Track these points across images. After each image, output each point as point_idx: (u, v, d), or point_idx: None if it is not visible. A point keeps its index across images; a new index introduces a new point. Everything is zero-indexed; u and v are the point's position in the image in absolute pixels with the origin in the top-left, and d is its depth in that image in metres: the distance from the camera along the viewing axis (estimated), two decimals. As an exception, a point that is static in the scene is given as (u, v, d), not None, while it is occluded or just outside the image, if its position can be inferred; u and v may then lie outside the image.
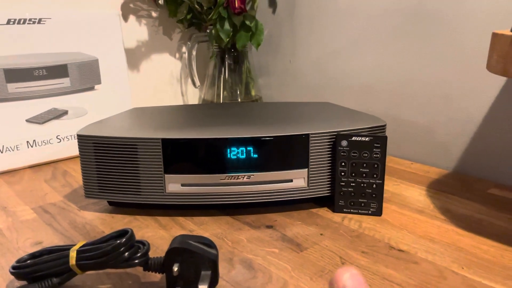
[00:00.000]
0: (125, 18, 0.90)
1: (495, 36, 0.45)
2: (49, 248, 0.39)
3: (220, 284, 0.40)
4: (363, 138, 0.52)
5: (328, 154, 0.53)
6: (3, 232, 0.51)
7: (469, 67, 0.66)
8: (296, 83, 0.95)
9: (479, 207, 0.56)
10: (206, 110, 0.68)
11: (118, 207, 0.57)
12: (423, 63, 0.72)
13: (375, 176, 0.52)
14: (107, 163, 0.53)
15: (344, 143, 0.52)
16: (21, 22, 0.71)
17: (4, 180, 0.68)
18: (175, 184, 0.52)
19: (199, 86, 0.93)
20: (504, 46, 0.43)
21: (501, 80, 0.63)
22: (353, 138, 0.52)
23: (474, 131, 0.68)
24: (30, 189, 0.64)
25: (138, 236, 0.49)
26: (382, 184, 0.52)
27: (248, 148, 0.52)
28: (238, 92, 0.94)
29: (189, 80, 1.00)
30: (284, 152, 0.52)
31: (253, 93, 0.96)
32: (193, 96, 1.06)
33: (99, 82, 0.80)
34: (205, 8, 0.87)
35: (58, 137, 0.76)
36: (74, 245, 0.39)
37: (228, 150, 0.52)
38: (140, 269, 0.42)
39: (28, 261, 0.39)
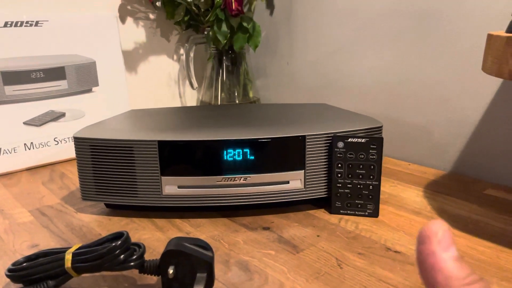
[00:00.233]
0: (123, 20, 0.90)
1: (490, 37, 0.45)
2: (45, 250, 0.39)
3: (216, 286, 0.40)
4: (359, 140, 0.52)
5: (325, 155, 0.53)
6: (0, 235, 0.51)
7: (466, 68, 0.66)
8: (294, 84, 0.95)
9: (475, 208, 0.56)
10: (203, 112, 0.68)
11: (115, 209, 0.57)
12: (420, 64, 0.72)
13: (371, 177, 0.52)
14: (103, 166, 0.53)
15: (340, 144, 0.52)
16: (18, 25, 0.71)
17: (1, 182, 0.68)
18: (171, 186, 0.52)
19: (196, 88, 0.93)
20: (499, 47, 0.43)
21: (497, 81, 0.64)
22: (349, 140, 0.52)
23: (471, 132, 0.68)
24: (28, 192, 0.64)
25: (135, 238, 0.49)
26: (379, 186, 0.53)
27: (245, 150, 0.52)
28: (236, 94, 0.94)
29: (187, 82, 1.01)
30: (281, 153, 0.52)
31: (251, 94, 0.96)
32: (191, 98, 1.06)
33: (96, 84, 0.80)
34: (202, 10, 0.88)
35: (56, 139, 0.76)
36: (69, 247, 0.39)
37: (225, 152, 0.52)
38: (136, 271, 0.42)
39: (24, 264, 0.39)
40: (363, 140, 0.52)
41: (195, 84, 0.92)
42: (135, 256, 0.37)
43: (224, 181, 0.52)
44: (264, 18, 0.97)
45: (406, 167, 0.72)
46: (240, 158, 0.52)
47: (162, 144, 0.51)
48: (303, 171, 0.53)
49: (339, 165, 0.53)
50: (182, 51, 1.01)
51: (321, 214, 0.55)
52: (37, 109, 0.74)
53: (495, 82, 0.64)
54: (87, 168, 0.53)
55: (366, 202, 0.53)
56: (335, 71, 0.85)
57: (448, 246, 0.21)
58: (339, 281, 0.40)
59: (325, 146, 0.53)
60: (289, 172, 0.53)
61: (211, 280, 0.37)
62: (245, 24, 0.86)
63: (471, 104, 0.67)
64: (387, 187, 0.63)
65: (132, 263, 0.37)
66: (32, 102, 0.73)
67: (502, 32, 0.45)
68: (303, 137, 0.52)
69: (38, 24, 0.73)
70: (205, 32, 0.89)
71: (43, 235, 0.51)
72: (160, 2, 0.93)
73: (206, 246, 0.38)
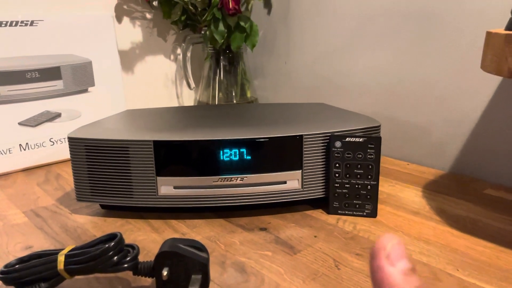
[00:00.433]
0: (119, 19, 0.90)
1: (489, 35, 0.45)
2: (37, 252, 0.39)
3: (212, 288, 0.39)
4: (357, 139, 0.51)
5: (322, 155, 0.53)
6: (-7, 236, 0.50)
7: (464, 66, 0.66)
8: (291, 84, 0.94)
9: (474, 208, 0.55)
10: (199, 112, 0.67)
11: (111, 210, 0.56)
12: (419, 63, 0.71)
13: (369, 177, 0.52)
14: (98, 166, 0.52)
15: (338, 144, 0.52)
16: (13, 24, 0.70)
17: (-4, 183, 0.68)
18: (167, 187, 0.52)
19: (194, 87, 0.93)
20: (498, 45, 0.42)
21: (496, 80, 0.63)
22: (347, 139, 0.51)
23: (469, 131, 0.67)
24: (23, 193, 0.63)
25: (130, 239, 0.49)
26: (377, 185, 0.52)
27: (241, 150, 0.51)
28: (234, 94, 0.93)
29: (184, 82, 1.00)
30: (278, 153, 0.52)
31: (248, 94, 0.95)
32: (189, 98, 1.05)
33: (92, 84, 0.80)
34: (199, 9, 0.87)
35: (51, 140, 0.76)
36: (62, 249, 0.38)
37: (221, 152, 0.51)
38: (130, 273, 0.41)
39: (17, 266, 0.38)
40: (361, 140, 0.51)
41: (192, 84, 0.92)
42: (129, 257, 0.37)
43: (221, 181, 0.52)
44: (261, 17, 0.97)
45: (404, 166, 0.71)
46: (237, 158, 0.51)
47: (157, 144, 0.51)
48: (301, 171, 0.52)
49: (337, 165, 0.52)
50: (179, 50, 1.01)
51: (319, 214, 0.54)
52: (32, 110, 0.74)
53: (494, 81, 0.63)
54: (82, 168, 0.53)
55: (364, 202, 0.53)
56: (333, 71, 0.85)
57: (396, 259, 0.21)
58: (337, 282, 0.40)
59: (323, 146, 0.52)
60: (286, 172, 0.52)
61: (206, 282, 0.37)
62: (242, 23, 0.85)
63: (470, 103, 0.66)
64: (385, 186, 0.62)
65: (125, 265, 0.36)
66: (28, 102, 0.73)
67: (501, 30, 0.45)
68: (301, 136, 0.52)
69: (34, 24, 0.72)
70: (202, 32, 0.89)
71: (37, 236, 0.50)
72: (156, 2, 0.92)
73: (201, 247, 0.38)
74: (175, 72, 1.01)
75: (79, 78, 0.78)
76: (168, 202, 0.52)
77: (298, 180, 0.53)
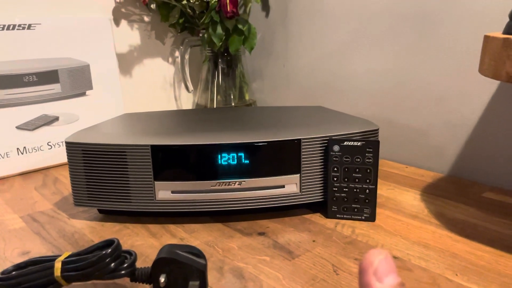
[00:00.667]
0: (117, 22, 0.90)
1: (486, 38, 0.44)
2: (34, 259, 0.39)
3: (210, 294, 0.39)
4: (355, 143, 0.51)
5: (320, 159, 0.53)
6: (-10, 242, 0.50)
7: (463, 69, 0.66)
8: (290, 87, 0.94)
9: (474, 211, 0.55)
10: (197, 115, 0.67)
11: (108, 215, 0.56)
12: (417, 66, 0.71)
13: (368, 181, 0.52)
14: (96, 171, 0.52)
15: (336, 148, 0.51)
16: (11, 28, 0.70)
17: (-6, 188, 0.67)
18: (165, 191, 0.52)
19: (192, 90, 0.92)
20: (496, 48, 0.42)
21: (495, 83, 0.63)
22: (345, 143, 0.51)
23: (468, 134, 0.67)
24: (20, 197, 0.63)
25: (128, 244, 0.49)
26: (375, 189, 0.52)
27: (239, 154, 0.51)
28: (232, 97, 0.93)
29: (182, 85, 1.00)
30: (276, 157, 0.52)
31: (247, 97, 0.95)
32: (187, 101, 1.05)
33: (90, 88, 0.79)
34: (197, 12, 0.87)
35: (49, 143, 0.75)
36: (59, 255, 0.38)
37: (219, 156, 0.51)
38: (127, 279, 0.41)
39: (13, 273, 0.38)
40: (359, 144, 0.51)
41: (191, 87, 0.92)
42: (126, 264, 0.36)
43: (219, 185, 0.52)
44: (259, 20, 0.97)
45: (403, 169, 0.71)
46: (235, 162, 0.51)
47: (155, 149, 0.50)
48: (299, 175, 0.52)
49: (335, 168, 0.52)
50: (177, 53, 1.01)
51: (317, 218, 0.54)
52: (30, 113, 0.73)
53: (492, 84, 0.63)
54: (79, 173, 0.52)
55: (362, 206, 0.53)
56: (331, 73, 0.85)
57: (385, 274, 0.21)
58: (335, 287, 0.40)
59: (321, 150, 0.52)
60: (285, 176, 0.52)
61: (204, 288, 0.37)
62: (240, 26, 0.85)
63: (469, 106, 0.66)
64: (384, 190, 0.62)
65: (123, 271, 0.36)
66: (25, 106, 0.73)
67: (499, 34, 0.44)
68: (299, 140, 0.51)
69: (31, 27, 0.72)
70: (200, 35, 0.89)
71: (34, 242, 0.50)
72: (154, 5, 0.92)
73: (199, 254, 0.37)
74: (173, 75, 1.01)
75: (76, 81, 0.78)
76: (166, 207, 0.52)
77: (296, 184, 0.53)
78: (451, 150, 0.69)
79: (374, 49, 0.77)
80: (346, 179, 0.52)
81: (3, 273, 0.38)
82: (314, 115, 0.65)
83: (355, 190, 0.52)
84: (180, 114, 0.69)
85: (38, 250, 0.48)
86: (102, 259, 0.36)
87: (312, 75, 0.88)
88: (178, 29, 0.95)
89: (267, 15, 0.95)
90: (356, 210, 0.53)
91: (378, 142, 0.51)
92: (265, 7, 0.95)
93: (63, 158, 0.77)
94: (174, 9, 0.88)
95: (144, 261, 0.45)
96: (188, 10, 0.87)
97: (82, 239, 0.50)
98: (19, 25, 0.71)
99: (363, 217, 0.53)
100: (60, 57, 0.75)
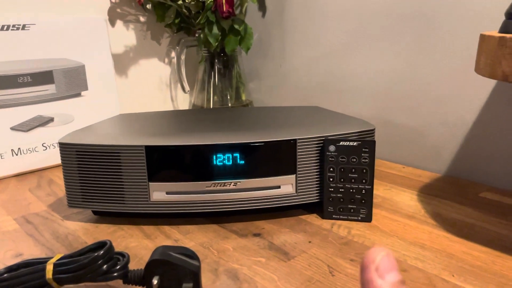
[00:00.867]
0: (112, 23, 0.89)
1: (482, 37, 0.44)
2: (26, 261, 0.38)
3: (204, 296, 0.38)
4: (351, 143, 0.51)
5: (316, 159, 0.52)
6: (-17, 244, 0.49)
7: (460, 69, 0.66)
8: (287, 87, 0.94)
9: (470, 211, 0.55)
10: (193, 116, 0.67)
11: (103, 217, 0.55)
12: (414, 66, 0.71)
13: (364, 181, 0.51)
14: (90, 172, 0.51)
15: (332, 148, 0.51)
16: (5, 29, 0.69)
17: (-12, 189, 0.67)
18: (160, 192, 0.51)
19: (188, 91, 0.92)
20: (492, 48, 0.42)
21: (491, 83, 0.63)
22: (341, 143, 0.51)
23: (465, 134, 0.67)
24: (14, 199, 0.63)
25: (122, 246, 0.48)
26: (371, 190, 0.51)
27: (235, 155, 0.51)
28: (228, 97, 0.93)
29: (179, 85, 0.99)
30: (271, 158, 0.51)
31: (243, 97, 0.95)
32: (183, 101, 1.04)
33: (86, 89, 0.79)
34: (193, 12, 0.87)
35: (44, 144, 0.75)
36: (51, 257, 0.37)
37: (214, 156, 0.50)
38: (120, 282, 0.40)
39: (5, 275, 0.37)
40: (355, 144, 0.51)
41: (187, 88, 0.91)
42: (119, 266, 0.36)
43: (214, 186, 0.51)
44: (256, 20, 0.96)
45: (400, 170, 0.71)
46: (230, 163, 0.51)
47: (149, 149, 0.50)
48: (295, 175, 0.52)
49: (331, 169, 0.52)
50: (173, 54, 1.00)
51: (313, 219, 0.54)
52: (24, 114, 0.73)
53: (489, 83, 0.63)
54: (73, 174, 0.52)
55: (359, 206, 0.52)
56: (327, 73, 0.84)
57: (386, 271, 0.21)
58: (331, 289, 0.39)
59: (317, 150, 0.52)
60: (280, 177, 0.52)
61: (198, 290, 0.36)
62: (236, 26, 0.84)
63: (466, 106, 0.66)
64: (380, 190, 0.62)
65: (115, 274, 0.36)
66: (20, 107, 0.72)
67: (495, 33, 0.44)
68: (294, 140, 0.51)
69: (25, 28, 0.71)
70: (196, 35, 0.88)
71: (27, 244, 0.49)
72: (150, 5, 0.92)
73: (192, 255, 0.37)
74: (169, 76, 1.01)
75: (72, 82, 0.77)
76: (161, 208, 0.51)
77: (292, 184, 0.52)
78: (448, 150, 0.69)
79: (371, 49, 0.76)
80: (342, 180, 0.52)
81: (-6, 275, 0.37)
82: (310, 115, 0.64)
83: (351, 190, 0.52)
84: (175, 114, 0.69)
85: (32, 252, 0.47)
86: (94, 261, 0.35)
87: (309, 75, 0.88)
88: (174, 29, 0.95)
89: (263, 15, 0.95)
90: (352, 210, 0.52)
91: (374, 142, 0.50)
92: (262, 7, 0.95)
93: (58, 159, 0.76)
94: (170, 9, 0.88)
95: (139, 263, 0.44)
96: (184, 10, 0.86)
97: (76, 241, 0.50)
98: (14, 26, 0.70)
99: (359, 218, 0.52)
100: (55, 58, 0.75)
